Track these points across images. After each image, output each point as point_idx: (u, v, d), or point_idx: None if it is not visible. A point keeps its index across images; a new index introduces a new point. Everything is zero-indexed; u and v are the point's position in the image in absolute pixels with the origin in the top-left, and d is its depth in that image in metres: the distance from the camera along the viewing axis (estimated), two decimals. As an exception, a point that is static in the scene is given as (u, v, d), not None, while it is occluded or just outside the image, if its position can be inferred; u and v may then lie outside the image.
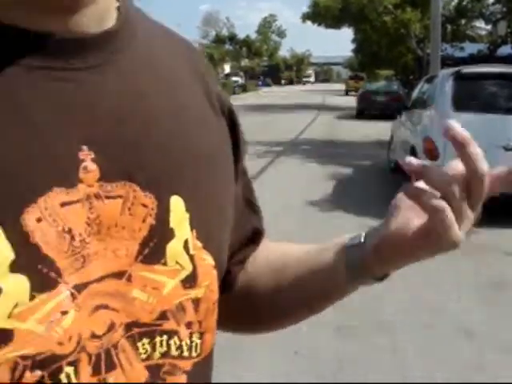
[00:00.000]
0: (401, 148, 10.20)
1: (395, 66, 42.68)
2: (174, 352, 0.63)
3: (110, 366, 0.57)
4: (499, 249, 6.65)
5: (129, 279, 0.59)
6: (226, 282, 0.79)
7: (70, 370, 0.54)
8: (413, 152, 8.58)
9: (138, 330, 0.60)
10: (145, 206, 0.60)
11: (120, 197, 0.58)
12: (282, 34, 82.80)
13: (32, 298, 0.51)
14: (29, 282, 0.51)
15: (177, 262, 0.62)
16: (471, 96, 8.13)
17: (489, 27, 34.12)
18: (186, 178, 0.65)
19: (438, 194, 0.62)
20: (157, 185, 0.61)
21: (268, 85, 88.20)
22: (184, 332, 0.64)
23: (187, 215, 0.64)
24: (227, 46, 69.35)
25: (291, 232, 7.26)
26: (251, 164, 9.44)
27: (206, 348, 0.67)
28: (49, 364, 0.53)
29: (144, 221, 0.60)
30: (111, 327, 0.57)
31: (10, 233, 0.50)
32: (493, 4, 30.16)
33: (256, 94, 60.57)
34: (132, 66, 0.64)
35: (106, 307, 0.57)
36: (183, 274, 0.63)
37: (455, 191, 0.63)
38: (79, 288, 0.55)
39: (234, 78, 64.93)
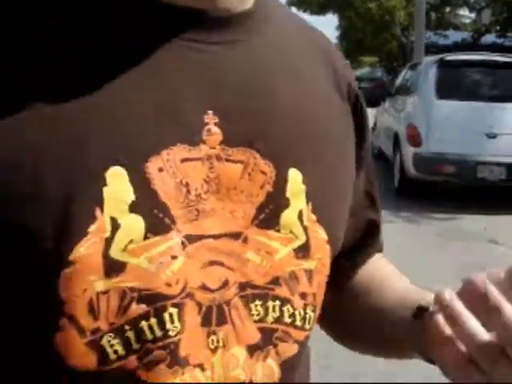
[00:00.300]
0: (384, 134, 10.23)
1: (379, 53, 42.69)
2: (286, 319, 0.64)
3: (221, 321, 0.60)
4: (484, 236, 6.70)
5: (244, 241, 0.62)
6: (338, 280, 0.79)
7: (173, 311, 0.57)
8: (396, 138, 8.63)
9: (252, 292, 0.62)
10: (263, 173, 0.63)
11: (240, 162, 0.62)
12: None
13: (146, 238, 0.56)
14: (144, 223, 0.56)
15: (290, 231, 0.64)
16: (454, 83, 8.17)
17: (473, 15, 34.23)
18: (306, 154, 0.67)
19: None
20: (276, 155, 0.64)
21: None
22: (298, 302, 0.65)
23: (303, 187, 0.65)
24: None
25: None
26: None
27: (315, 324, 0.69)
28: (154, 301, 0.56)
29: (262, 187, 0.62)
30: (225, 284, 0.60)
31: (134, 177, 0.56)
32: (477, -8, 30.22)
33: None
34: (262, 46, 0.67)
35: (221, 264, 0.60)
36: (296, 244, 0.65)
37: None
38: (191, 238, 0.59)
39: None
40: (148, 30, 0.60)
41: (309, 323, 0.66)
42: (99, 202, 0.55)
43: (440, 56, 8.50)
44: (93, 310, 0.55)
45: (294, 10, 39.49)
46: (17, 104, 0.54)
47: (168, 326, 0.57)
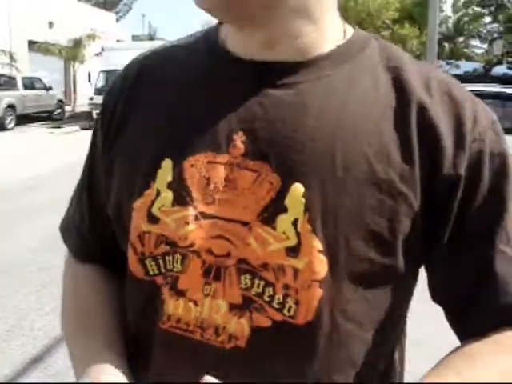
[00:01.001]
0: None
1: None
2: (266, 297, 0.82)
3: (217, 278, 0.84)
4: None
5: (249, 229, 0.82)
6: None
7: (179, 257, 0.85)
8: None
9: (245, 267, 0.83)
10: (271, 183, 0.82)
11: (255, 171, 0.83)
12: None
13: (172, 206, 0.86)
14: (173, 196, 0.86)
15: (284, 232, 0.81)
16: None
17: (485, 46, 34.37)
18: (315, 175, 0.81)
19: None
20: (284, 172, 0.82)
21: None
22: (279, 289, 0.82)
23: (303, 200, 0.81)
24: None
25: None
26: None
27: (301, 318, 0.82)
28: (172, 246, 0.86)
29: (268, 193, 0.82)
30: (227, 255, 0.83)
31: (175, 167, 0.87)
32: (490, 23, 30.36)
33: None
34: (310, 88, 0.87)
35: (227, 239, 0.83)
36: (287, 243, 0.81)
37: None
38: (204, 215, 0.84)
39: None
40: (224, 76, 0.90)
41: (288, 311, 0.81)
42: (154, 178, 0.88)
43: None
44: (141, 240, 0.89)
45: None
46: (152, 119, 0.94)
47: (174, 264, 0.86)
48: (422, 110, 0.84)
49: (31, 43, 31.24)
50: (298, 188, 0.81)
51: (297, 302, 0.81)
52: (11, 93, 22.63)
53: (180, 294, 0.85)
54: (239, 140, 0.84)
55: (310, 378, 0.84)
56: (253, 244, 0.82)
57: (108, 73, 25.69)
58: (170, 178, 0.87)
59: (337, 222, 0.81)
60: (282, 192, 0.81)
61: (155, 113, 0.93)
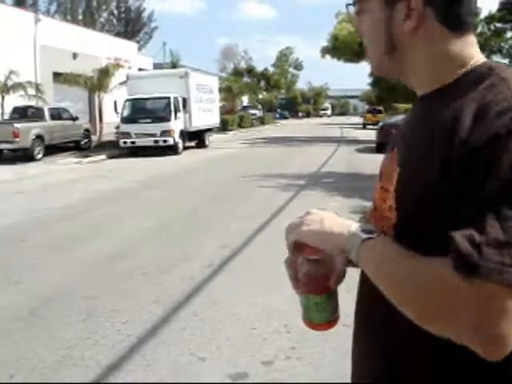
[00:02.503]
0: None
1: (413, 100, 42.66)
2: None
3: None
4: None
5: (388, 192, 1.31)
6: None
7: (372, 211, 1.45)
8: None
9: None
10: (395, 170, 1.29)
11: (394, 161, 1.32)
12: (298, 66, 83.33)
13: (378, 181, 1.42)
14: (379, 178, 1.41)
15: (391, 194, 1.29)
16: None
17: (506, 61, 34.19)
18: (406, 166, 1.27)
19: None
20: (398, 159, 1.31)
21: (285, 117, 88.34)
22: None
23: (396, 177, 1.27)
24: (245, 79, 69.76)
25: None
26: (273, 197, 9.46)
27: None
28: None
29: (393, 171, 1.30)
30: (384, 200, 1.33)
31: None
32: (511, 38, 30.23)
33: (274, 127, 60.78)
34: (437, 109, 1.24)
35: (385, 197, 1.33)
36: (390, 204, 1.28)
37: None
38: (381, 187, 1.37)
39: (252, 111, 65.08)
40: (415, 107, 1.40)
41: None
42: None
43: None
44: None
45: (328, 57, 40.05)
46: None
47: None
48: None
49: (56, 74, 31.65)
50: (397, 170, 1.28)
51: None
52: (39, 124, 22.91)
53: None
54: (396, 150, 1.35)
55: None
56: (387, 202, 1.30)
57: (133, 101, 25.89)
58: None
59: (404, 193, 1.25)
60: (395, 173, 1.29)
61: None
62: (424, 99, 1.31)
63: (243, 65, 72.59)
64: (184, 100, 26.60)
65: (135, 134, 24.69)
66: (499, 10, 28.24)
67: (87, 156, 23.72)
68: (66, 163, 22.06)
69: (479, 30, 34.13)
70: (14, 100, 25.23)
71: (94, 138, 29.04)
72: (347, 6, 1.39)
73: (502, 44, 32.85)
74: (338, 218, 1.35)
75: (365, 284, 1.37)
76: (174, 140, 25.06)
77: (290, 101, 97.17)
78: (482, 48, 32.83)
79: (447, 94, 1.23)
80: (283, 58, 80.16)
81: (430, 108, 1.26)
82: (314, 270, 1.36)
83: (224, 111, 46.68)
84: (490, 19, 31.51)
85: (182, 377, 4.31)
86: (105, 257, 7.81)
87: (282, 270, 5.71)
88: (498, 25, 31.41)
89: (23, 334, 5.16)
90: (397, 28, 1.28)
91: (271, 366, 4.45)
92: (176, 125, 25.36)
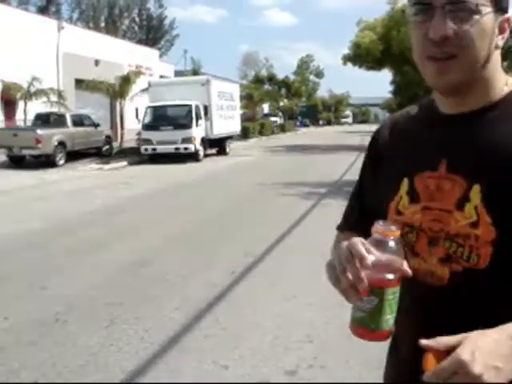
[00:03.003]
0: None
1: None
2: (458, 253, 1.31)
3: (434, 244, 1.35)
4: None
5: (450, 213, 1.32)
6: None
7: (414, 233, 1.39)
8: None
9: (447, 236, 1.33)
10: (461, 186, 1.31)
11: (452, 180, 1.33)
12: (319, 74, 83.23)
13: (409, 204, 1.40)
14: (407, 198, 1.41)
15: (469, 213, 1.28)
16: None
17: None
18: (487, 179, 1.28)
19: None
20: (468, 178, 1.30)
21: (306, 125, 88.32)
22: (466, 248, 1.29)
23: (480, 195, 1.28)
24: (266, 86, 69.81)
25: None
26: (294, 205, 9.42)
27: (481, 264, 1.27)
28: (409, 227, 1.39)
29: (459, 192, 1.31)
30: (440, 230, 1.33)
31: (410, 182, 1.41)
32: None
33: (295, 135, 60.78)
34: (484, 124, 1.34)
35: (439, 221, 1.34)
36: (471, 220, 1.28)
37: None
38: (426, 208, 1.37)
39: (273, 118, 65.14)
40: (434, 122, 1.43)
41: (473, 261, 1.28)
42: (399, 189, 1.42)
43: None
44: (395, 220, 1.39)
45: (349, 65, 40.00)
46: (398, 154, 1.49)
47: (411, 238, 1.39)
48: None
49: (78, 81, 31.90)
50: (476, 187, 1.28)
51: (478, 256, 1.27)
52: (61, 130, 23.09)
53: (416, 255, 1.38)
54: (444, 163, 1.35)
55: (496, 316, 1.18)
56: (452, 222, 1.31)
57: (155, 108, 25.99)
58: (407, 188, 1.41)
59: (500, 207, 1.25)
60: (468, 190, 1.29)
61: (397, 153, 1.51)
62: (471, 116, 1.35)
63: (264, 72, 72.63)
64: (205, 107, 26.67)
65: (156, 141, 24.79)
66: None
67: (108, 162, 23.86)
68: (88, 169, 22.20)
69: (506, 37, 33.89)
70: (36, 106, 25.46)
71: (116, 144, 29.20)
72: (444, 6, 1.26)
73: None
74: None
75: (429, 309, 1.36)
76: (195, 147, 25.14)
77: (311, 108, 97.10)
78: (505, 55, 32.60)
79: (504, 110, 1.32)
80: (304, 65, 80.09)
81: (490, 124, 1.32)
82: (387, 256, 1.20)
83: (245, 118, 46.77)
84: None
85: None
86: (127, 263, 7.84)
87: (304, 277, 5.76)
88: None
89: (47, 339, 5.18)
90: (495, 40, 1.31)
91: (294, 375, 4.44)
92: (197, 132, 25.44)
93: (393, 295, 1.20)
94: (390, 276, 1.19)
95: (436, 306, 1.33)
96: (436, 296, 1.33)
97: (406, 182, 1.41)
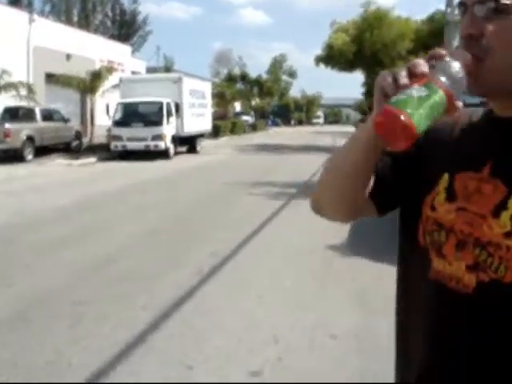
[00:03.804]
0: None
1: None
2: (487, 263, 1.24)
3: (462, 248, 1.28)
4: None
5: (484, 219, 1.26)
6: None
7: (443, 233, 1.32)
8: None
9: (478, 243, 1.26)
10: (502, 192, 1.25)
11: (494, 184, 1.26)
12: (293, 74, 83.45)
13: (444, 201, 1.33)
14: (445, 195, 1.33)
15: (504, 222, 1.22)
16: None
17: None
18: None
19: None
20: (509, 185, 1.24)
21: (278, 125, 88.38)
22: (496, 258, 1.23)
23: None
24: (238, 85, 69.81)
25: (312, 273, 7.26)
26: (263, 205, 9.43)
27: (508, 278, 1.21)
28: (439, 226, 1.33)
29: (498, 198, 1.25)
30: (470, 234, 1.27)
31: (450, 179, 1.33)
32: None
33: (266, 134, 60.81)
34: None
35: (471, 225, 1.27)
36: (505, 230, 1.22)
37: None
38: (461, 209, 1.30)
39: (245, 117, 65.11)
40: (487, 125, 1.35)
41: (500, 273, 1.22)
42: (438, 184, 1.35)
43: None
44: (425, 221, 1.36)
45: (322, 66, 40.17)
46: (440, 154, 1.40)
47: (440, 238, 1.33)
48: None
49: (48, 75, 31.57)
50: None
51: (506, 268, 1.21)
52: (30, 124, 22.85)
53: (442, 256, 1.32)
54: (488, 165, 1.28)
55: None
56: (485, 229, 1.25)
57: (126, 105, 25.86)
58: (446, 185, 1.34)
59: None
60: (507, 198, 1.23)
61: (443, 145, 1.41)
62: None
63: (237, 71, 72.63)
64: (177, 105, 26.60)
65: (127, 137, 24.66)
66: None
67: (78, 158, 23.69)
68: (57, 165, 22.01)
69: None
70: (5, 100, 25.14)
71: (85, 140, 28.98)
72: (473, 4, 1.20)
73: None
74: None
75: (448, 314, 1.31)
76: (166, 145, 25.06)
77: (283, 108, 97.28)
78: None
79: None
80: (277, 64, 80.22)
81: None
82: None
83: (216, 117, 46.69)
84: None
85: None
86: (94, 261, 7.80)
87: (271, 278, 5.79)
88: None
89: (10, 337, 5.14)
90: None
91: (259, 376, 4.45)
92: (168, 129, 25.36)
93: (440, 104, 1.08)
94: (449, 87, 1.09)
95: (456, 313, 1.29)
96: (459, 302, 1.28)
97: (446, 177, 1.34)
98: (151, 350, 4.90)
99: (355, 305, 6.18)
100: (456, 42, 25.90)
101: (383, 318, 5.75)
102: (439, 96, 1.06)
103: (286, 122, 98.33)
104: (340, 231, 10.01)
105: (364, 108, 75.43)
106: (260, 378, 4.41)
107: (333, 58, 36.44)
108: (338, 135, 55.91)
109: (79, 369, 4.51)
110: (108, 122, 26.19)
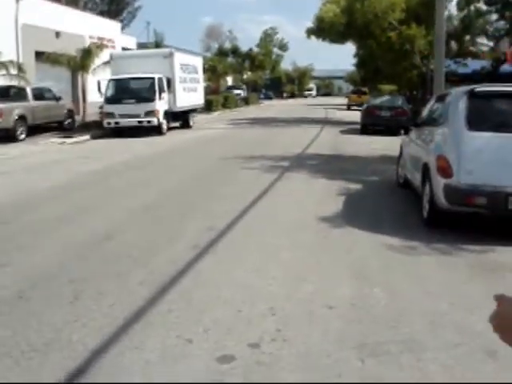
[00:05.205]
0: (412, 165, 10.24)
1: (398, 82, 42.76)
2: None
3: None
4: (515, 267, 6.67)
5: None
6: None
7: None
8: (425, 169, 8.63)
9: None
10: None
11: None
12: (283, 47, 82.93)
13: None
14: None
15: None
16: (484, 115, 8.15)
17: (491, 44, 34.25)
18: None
19: None
20: None
21: (270, 98, 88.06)
22: None
23: None
24: (230, 59, 69.38)
25: (307, 246, 7.30)
26: (258, 179, 9.45)
27: None
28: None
29: None
30: None
31: None
32: (496, 20, 30.26)
33: (258, 107, 60.67)
34: None
35: None
36: None
37: None
38: None
39: (237, 91, 64.88)
40: None
41: None
42: None
43: (470, 87, 8.46)
44: None
45: (313, 38, 39.91)
46: None
47: None
48: None
49: (38, 54, 31.30)
50: None
51: None
52: (22, 104, 22.69)
53: None
54: None
55: None
56: None
57: (117, 81, 25.70)
58: None
59: None
60: None
61: None
62: None
63: (228, 45, 72.12)
64: (168, 80, 26.42)
65: (119, 114, 24.53)
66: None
67: (71, 136, 23.55)
68: (50, 144, 21.90)
69: (464, 12, 34.17)
70: (-5, 80, 24.96)
71: (78, 118, 28.82)
72: None
73: (487, 27, 32.84)
74: None
75: None
76: (159, 120, 24.95)
77: (275, 81, 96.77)
78: (467, 29, 32.90)
79: None
80: (267, 38, 79.65)
81: None
82: None
83: (209, 91, 46.52)
84: (470, 1, 31.46)
85: (170, 359, 4.36)
86: (90, 239, 7.82)
87: (267, 251, 5.84)
88: (479, 5, 31.35)
89: (10, 316, 5.17)
90: None
91: (258, 348, 4.50)
92: (160, 105, 25.23)
93: None
94: None
95: None
96: None
97: None
98: (150, 325, 4.94)
99: (351, 276, 6.23)
100: (446, 12, 25.83)
101: (379, 288, 5.81)
102: None
103: (279, 94, 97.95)
104: (335, 203, 10.06)
105: (356, 79, 75.15)
106: (259, 350, 4.46)
107: (324, 30, 36.18)
108: (330, 107, 55.82)
109: (79, 346, 4.55)
110: (100, 99, 26.03)
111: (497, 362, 4.28)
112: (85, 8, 54.88)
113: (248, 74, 75.03)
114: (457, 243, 7.42)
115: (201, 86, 33.88)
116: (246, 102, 62.70)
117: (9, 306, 5.42)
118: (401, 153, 12.06)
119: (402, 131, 14.24)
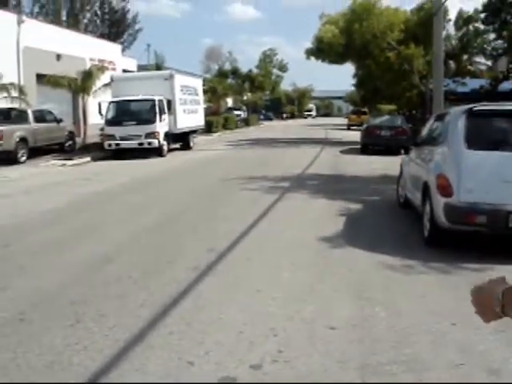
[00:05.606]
0: (412, 184, 10.25)
1: (397, 101, 42.92)
2: None
3: None
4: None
5: None
6: None
7: None
8: (425, 188, 8.64)
9: None
10: None
11: None
12: (283, 67, 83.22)
13: None
14: None
15: None
16: (484, 133, 8.18)
17: (489, 63, 34.44)
18: None
19: None
20: None
21: (270, 119, 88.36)
22: None
23: None
24: (230, 80, 69.60)
25: (308, 266, 7.29)
26: (258, 199, 9.44)
27: None
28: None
29: None
30: None
31: None
32: (494, 40, 30.44)
33: (258, 128, 60.84)
34: None
35: None
36: None
37: None
38: None
39: (237, 112, 65.10)
40: None
41: None
42: None
43: (468, 106, 8.50)
44: None
45: (312, 59, 40.09)
46: None
47: None
48: None
49: (39, 76, 31.44)
50: None
51: None
52: (23, 126, 22.77)
53: None
54: None
55: None
56: None
57: (118, 103, 25.78)
58: None
59: None
60: None
61: None
62: None
63: (228, 66, 72.39)
64: (169, 102, 26.52)
65: (120, 136, 24.60)
66: (481, 12, 28.41)
67: (71, 158, 23.62)
68: (51, 166, 21.95)
69: (463, 31, 34.37)
70: (-4, 102, 25.06)
71: (79, 140, 28.88)
72: None
73: (485, 46, 33.05)
74: None
75: None
76: (159, 142, 25.00)
77: (275, 102, 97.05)
78: (465, 48, 33.10)
79: None
80: (267, 58, 79.98)
81: None
82: None
83: (209, 113, 46.64)
84: (469, 19, 31.70)
85: (171, 381, 4.34)
86: (91, 261, 7.81)
87: (268, 272, 5.82)
88: (477, 25, 31.58)
89: (11, 339, 5.15)
90: None
91: (259, 369, 4.48)
92: (161, 127, 25.31)
93: None
94: None
95: None
96: None
97: None
98: (151, 347, 4.92)
99: (352, 295, 6.22)
100: (444, 32, 25.99)
101: (380, 308, 5.79)
102: None
103: (279, 115, 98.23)
104: (335, 223, 10.06)
105: (356, 100, 75.39)
106: (261, 371, 4.45)
107: (323, 50, 36.30)
108: (330, 128, 55.93)
109: (80, 369, 4.53)
110: (101, 121, 26.11)
111: (499, 381, 4.26)
112: (85, 30, 55.25)
113: (248, 95, 75.22)
114: (457, 262, 7.42)
115: (201, 108, 34.01)
116: (246, 123, 62.89)
117: (9, 329, 5.41)
118: (401, 172, 12.09)
119: (402, 151, 14.27)
